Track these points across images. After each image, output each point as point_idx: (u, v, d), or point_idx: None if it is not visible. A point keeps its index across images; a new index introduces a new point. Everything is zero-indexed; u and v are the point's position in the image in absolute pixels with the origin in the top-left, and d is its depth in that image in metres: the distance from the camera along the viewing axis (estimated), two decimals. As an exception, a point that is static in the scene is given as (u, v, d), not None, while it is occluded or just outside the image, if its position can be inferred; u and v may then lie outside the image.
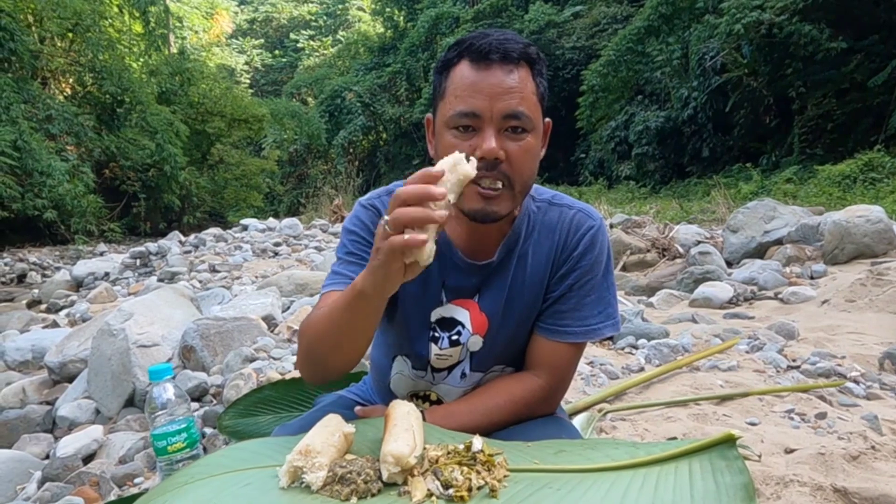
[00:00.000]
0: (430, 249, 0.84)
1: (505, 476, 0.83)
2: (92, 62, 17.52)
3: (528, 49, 1.05)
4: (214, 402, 2.64)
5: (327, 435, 0.86)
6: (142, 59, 21.71)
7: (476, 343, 1.21)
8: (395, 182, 1.27)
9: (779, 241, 5.64)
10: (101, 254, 11.48)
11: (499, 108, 1.01)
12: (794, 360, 2.71)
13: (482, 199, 1.05)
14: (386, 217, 0.85)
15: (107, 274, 7.65)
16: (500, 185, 1.04)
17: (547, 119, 1.13)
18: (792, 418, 2.09)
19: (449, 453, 0.88)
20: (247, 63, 36.67)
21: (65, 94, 17.96)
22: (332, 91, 27.02)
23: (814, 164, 11.80)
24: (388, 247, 0.84)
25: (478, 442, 0.88)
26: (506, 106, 1.01)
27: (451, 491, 0.78)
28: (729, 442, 0.81)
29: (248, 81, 34.37)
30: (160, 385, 1.03)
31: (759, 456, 1.77)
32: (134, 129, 18.17)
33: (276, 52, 39.66)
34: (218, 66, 28.65)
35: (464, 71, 1.03)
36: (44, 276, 10.38)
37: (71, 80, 18.22)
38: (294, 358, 2.64)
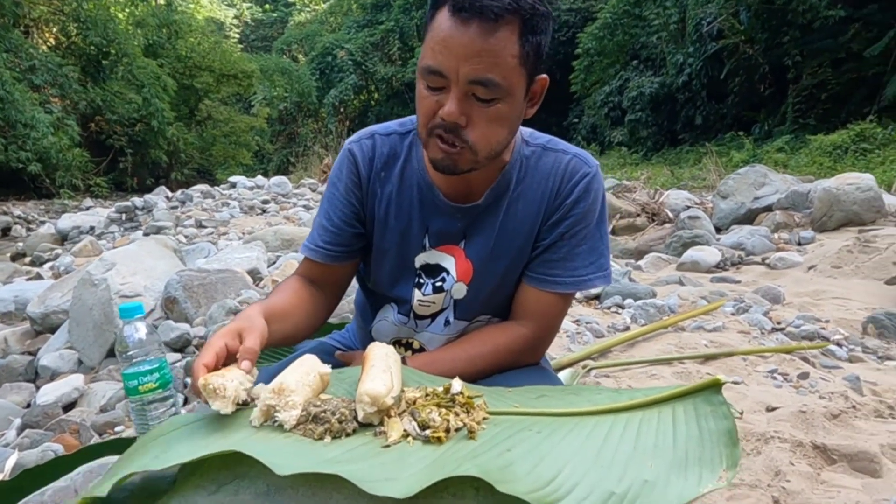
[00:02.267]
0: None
1: (484, 418, 0.81)
2: (76, 11, 17.00)
3: (519, 2, 0.92)
4: (197, 353, 2.62)
5: (302, 374, 0.84)
6: (128, 10, 21.05)
7: (460, 290, 1.18)
8: (386, 123, 1.22)
9: (768, 208, 5.64)
10: (87, 208, 11.32)
11: (465, 71, 0.92)
12: (778, 323, 2.72)
13: (441, 152, 1.00)
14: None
15: (92, 228, 7.57)
16: (459, 146, 0.98)
17: (543, 76, 1.03)
18: (775, 378, 2.10)
19: (427, 395, 0.86)
20: (236, 17, 35.71)
21: (48, 44, 17.47)
22: (324, 48, 26.47)
23: (806, 133, 11.76)
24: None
25: (457, 384, 0.86)
26: (472, 71, 0.92)
27: (428, 432, 0.76)
28: (715, 387, 0.79)
29: (237, 36, 33.54)
30: (131, 324, 0.99)
31: (741, 413, 1.78)
32: (120, 82, 17.74)
33: (267, 6, 38.69)
34: (206, 20, 27.83)
35: (442, 21, 0.93)
36: (28, 229, 10.23)
37: (54, 30, 17.71)
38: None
